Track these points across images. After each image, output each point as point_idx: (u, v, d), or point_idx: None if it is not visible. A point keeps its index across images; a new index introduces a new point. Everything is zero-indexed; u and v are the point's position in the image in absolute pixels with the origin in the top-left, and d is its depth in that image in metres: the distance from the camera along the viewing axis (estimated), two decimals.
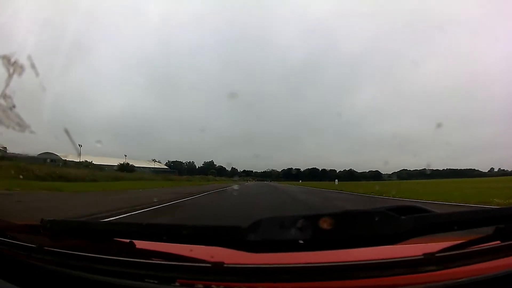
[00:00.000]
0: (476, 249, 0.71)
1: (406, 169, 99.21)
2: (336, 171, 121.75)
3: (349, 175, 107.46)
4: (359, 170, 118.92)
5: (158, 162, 72.46)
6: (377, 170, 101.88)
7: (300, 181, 73.92)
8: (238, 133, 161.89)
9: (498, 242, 0.72)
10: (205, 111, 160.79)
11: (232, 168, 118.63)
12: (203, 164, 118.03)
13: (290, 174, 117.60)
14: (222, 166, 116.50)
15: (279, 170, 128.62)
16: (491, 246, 0.72)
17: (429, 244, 0.80)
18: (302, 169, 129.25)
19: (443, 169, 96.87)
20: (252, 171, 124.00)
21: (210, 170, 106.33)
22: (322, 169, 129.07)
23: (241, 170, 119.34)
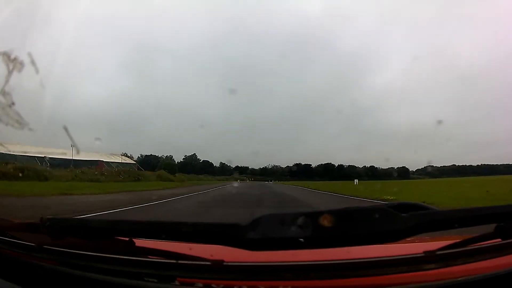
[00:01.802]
0: (477, 247, 0.71)
1: (433, 165, 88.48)
2: (355, 167, 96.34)
3: (371, 173, 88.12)
4: (382, 166, 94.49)
5: (129, 156, 55.77)
6: (403, 167, 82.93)
7: (309, 181, 55.36)
8: (231, 120, 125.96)
9: (499, 240, 0.71)
10: (191, 96, 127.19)
11: (221, 164, 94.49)
12: (183, 158, 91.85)
13: (298, 172, 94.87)
14: (209, 162, 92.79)
15: (284, 166, 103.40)
16: (492, 244, 0.71)
17: (430, 242, 0.80)
18: (313, 165, 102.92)
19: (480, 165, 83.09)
20: (248, 167, 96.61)
21: (194, 165, 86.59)
22: (338, 165, 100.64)
23: (234, 167, 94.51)
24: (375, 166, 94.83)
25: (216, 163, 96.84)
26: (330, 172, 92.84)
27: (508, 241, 0.71)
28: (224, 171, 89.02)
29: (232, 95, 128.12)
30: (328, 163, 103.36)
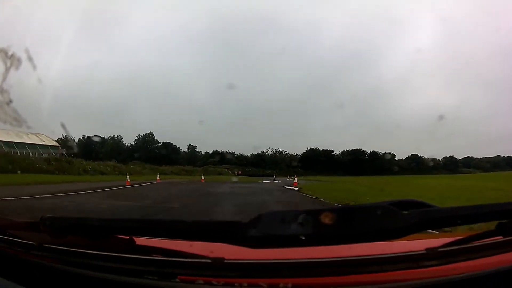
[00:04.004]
0: (478, 244, 0.71)
1: (498, 156, 70.01)
2: (393, 156, 66.55)
3: (415, 164, 64.67)
4: (426, 155, 68.58)
5: (64, 139, 38.40)
6: (451, 157, 66.17)
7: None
8: (206, 78, 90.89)
9: (501, 237, 0.71)
10: (147, 49, 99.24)
11: (190, 147, 67.67)
12: (134, 141, 66.04)
13: (313, 162, 64.74)
14: (172, 145, 65.54)
15: (292, 153, 71.14)
16: (493, 241, 0.71)
17: (431, 239, 0.80)
18: (336, 152, 72.07)
19: None
20: (233, 153, 65.05)
21: (150, 150, 62.82)
22: (371, 153, 69.69)
23: (211, 152, 64.26)
24: (419, 155, 67.97)
25: (184, 147, 68.91)
26: (359, 163, 65.62)
27: (510, 238, 0.71)
28: (195, 159, 63.20)
29: (218, 56, 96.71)
30: (357, 149, 70.44)
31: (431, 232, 0.73)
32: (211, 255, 0.69)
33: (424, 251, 0.67)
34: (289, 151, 72.55)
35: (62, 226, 0.81)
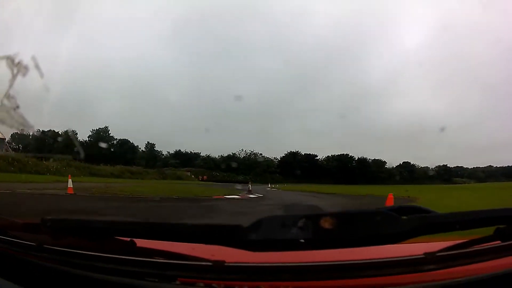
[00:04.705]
0: (476, 249, 0.72)
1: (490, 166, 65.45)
2: (383, 163, 62.89)
3: (408, 172, 60.67)
4: (419, 163, 65.00)
5: None
6: (445, 165, 61.01)
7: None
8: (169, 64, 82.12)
9: (499, 242, 0.72)
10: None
11: (149, 145, 58.53)
12: (88, 137, 55.50)
13: (294, 167, 56.95)
14: (129, 142, 55.73)
15: (270, 156, 62.94)
16: (491, 246, 0.72)
17: (430, 243, 0.80)
18: (320, 158, 64.68)
19: None
20: (199, 154, 57.08)
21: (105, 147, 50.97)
22: (359, 159, 64.02)
23: (173, 152, 56.92)
24: (411, 163, 63.40)
25: (142, 145, 59.05)
26: (347, 170, 59.66)
27: (507, 243, 0.71)
28: (154, 159, 55.56)
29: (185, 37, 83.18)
30: (343, 154, 64.08)
31: (430, 237, 0.73)
32: (212, 258, 0.69)
33: (423, 256, 0.67)
34: (266, 154, 63.30)
35: (63, 227, 0.82)
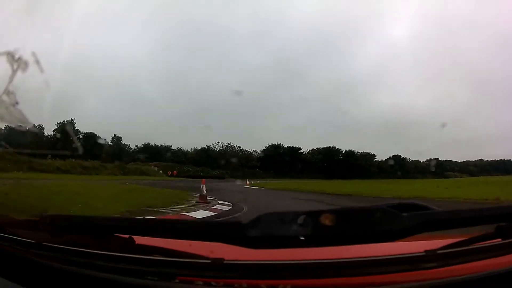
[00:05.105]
0: (477, 246, 0.71)
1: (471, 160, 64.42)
2: (373, 157, 59.16)
3: (398, 167, 56.38)
4: (409, 156, 60.83)
5: None
6: (436, 159, 55.90)
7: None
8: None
9: (499, 239, 0.72)
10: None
11: (115, 138, 52.54)
12: (54, 130, 47.43)
13: (276, 161, 53.04)
14: (95, 135, 47.54)
15: (249, 150, 57.97)
16: (492, 243, 0.72)
17: (430, 241, 0.80)
18: (304, 151, 59.87)
19: None
20: (170, 147, 53.20)
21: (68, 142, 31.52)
22: (346, 152, 60.19)
23: (141, 146, 52.45)
24: (402, 157, 58.80)
25: (108, 138, 52.73)
26: (332, 163, 56.03)
27: (508, 240, 0.71)
28: (120, 154, 50.16)
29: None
30: (329, 147, 59.39)
31: (431, 234, 0.73)
32: (211, 256, 0.69)
33: (423, 253, 0.67)
34: (244, 147, 57.66)
35: (62, 224, 0.81)
